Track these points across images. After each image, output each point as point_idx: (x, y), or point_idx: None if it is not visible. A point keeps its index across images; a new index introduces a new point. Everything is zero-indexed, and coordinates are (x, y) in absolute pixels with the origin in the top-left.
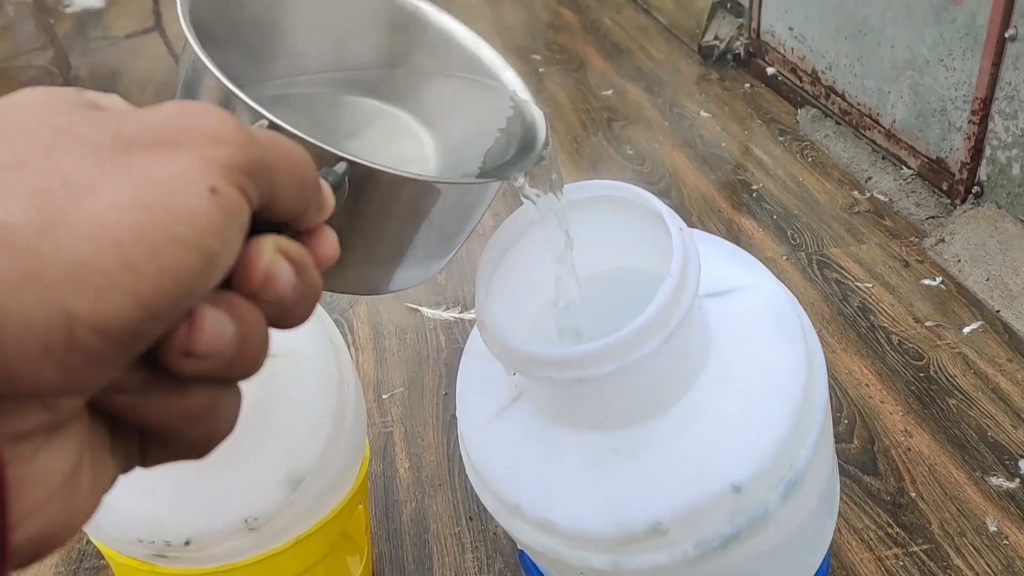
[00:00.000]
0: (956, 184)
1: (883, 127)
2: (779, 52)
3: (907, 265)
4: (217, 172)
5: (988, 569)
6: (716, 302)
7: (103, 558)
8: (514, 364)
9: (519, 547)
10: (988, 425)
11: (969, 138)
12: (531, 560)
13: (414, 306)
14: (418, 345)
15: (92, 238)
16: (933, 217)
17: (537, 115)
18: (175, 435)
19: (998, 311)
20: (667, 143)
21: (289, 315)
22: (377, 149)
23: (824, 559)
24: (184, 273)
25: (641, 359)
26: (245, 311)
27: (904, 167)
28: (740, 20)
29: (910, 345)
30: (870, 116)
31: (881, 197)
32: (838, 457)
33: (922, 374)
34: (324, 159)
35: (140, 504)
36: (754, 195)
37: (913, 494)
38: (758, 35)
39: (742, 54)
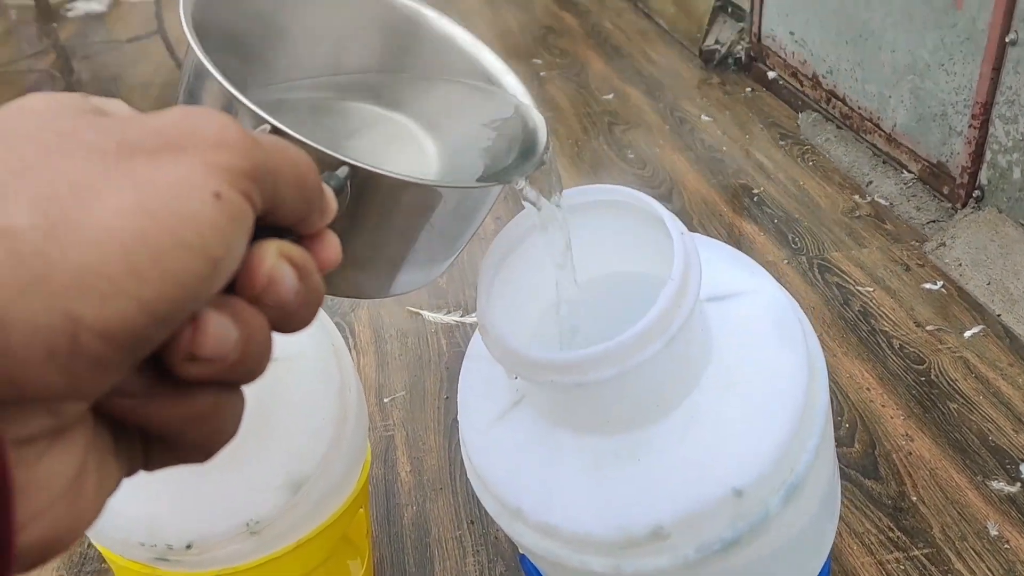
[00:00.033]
0: (957, 188)
1: (884, 131)
2: (780, 56)
3: (908, 269)
4: (221, 177)
5: (989, 573)
6: (717, 306)
7: (105, 562)
8: (515, 368)
9: (520, 551)
10: (989, 429)
11: (970, 142)
12: (532, 564)
13: (415, 310)
14: (419, 349)
15: (97, 243)
16: (934, 221)
17: (538, 119)
18: (178, 439)
19: (999, 315)
20: (668, 147)
21: (292, 319)
22: (378, 153)
23: (825, 563)
24: (188, 278)
25: (642, 363)
26: (248, 315)
27: (905, 171)
28: (741, 24)
29: (911, 349)
30: (871, 120)
31: (882, 201)
32: (839, 461)
33: (923, 378)
34: (326, 163)
35: (142, 507)
36: (755, 199)
37: (914, 498)
38: (759, 39)
39: (743, 58)
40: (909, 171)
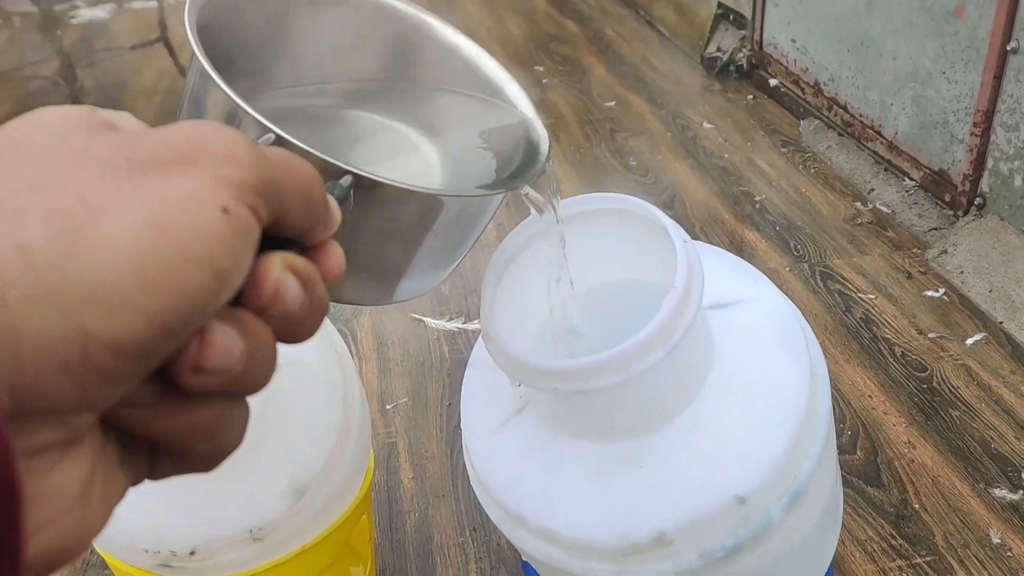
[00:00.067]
0: (958, 196)
1: (885, 139)
2: (782, 64)
3: (910, 276)
4: (229, 192)
5: None
6: (719, 314)
7: (108, 568)
8: (519, 375)
9: (523, 558)
10: (991, 437)
11: (971, 150)
12: (535, 571)
13: (418, 316)
14: (422, 355)
15: (109, 258)
16: (936, 229)
17: (540, 127)
18: (184, 449)
19: (1001, 323)
20: (670, 154)
21: (297, 330)
22: (380, 161)
23: (827, 571)
24: (197, 292)
25: (645, 371)
26: (254, 327)
27: (907, 179)
28: (743, 32)
29: (913, 356)
30: (872, 128)
31: (884, 208)
32: (841, 468)
33: (925, 386)
34: (330, 172)
35: (146, 514)
36: (757, 206)
37: (916, 506)
38: (761, 47)
39: (745, 66)
40: (911, 178)
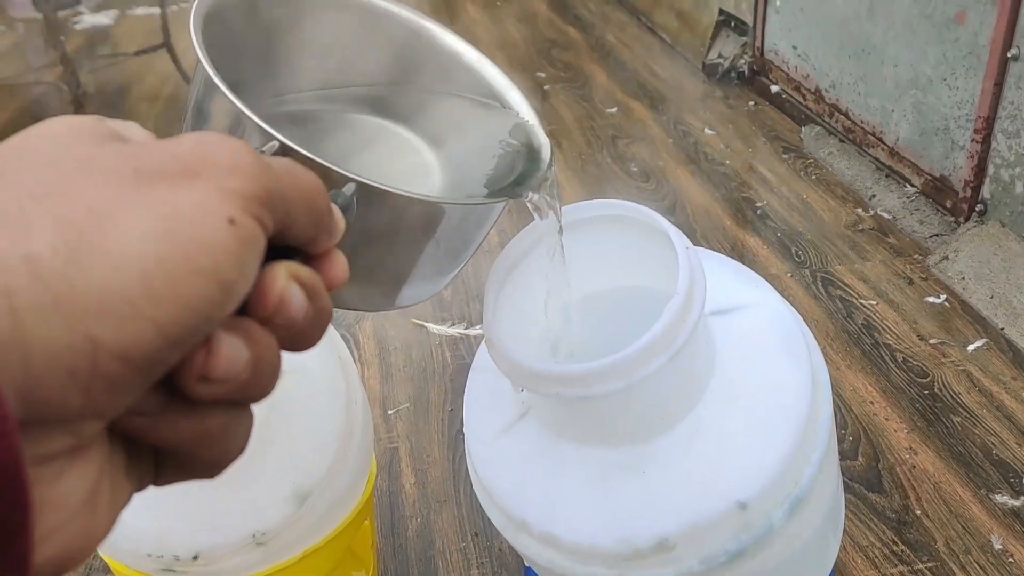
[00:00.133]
0: (960, 202)
1: (887, 145)
2: (783, 70)
3: (911, 283)
4: (234, 203)
5: None
6: (721, 320)
7: (111, 572)
8: (521, 380)
9: (525, 563)
10: (993, 443)
11: (972, 157)
12: None
13: (420, 322)
14: (424, 361)
15: (117, 268)
16: (937, 235)
17: (542, 135)
18: (189, 456)
19: (1002, 329)
20: (671, 161)
21: (301, 339)
22: (382, 167)
23: None
24: (203, 302)
25: (647, 377)
26: (259, 336)
27: (908, 185)
28: (744, 38)
29: (914, 362)
30: (874, 134)
31: (885, 215)
32: (843, 474)
33: (926, 391)
34: (333, 179)
35: (149, 519)
36: (758, 212)
37: (918, 511)
38: (762, 53)
39: (746, 72)
40: (912, 185)
